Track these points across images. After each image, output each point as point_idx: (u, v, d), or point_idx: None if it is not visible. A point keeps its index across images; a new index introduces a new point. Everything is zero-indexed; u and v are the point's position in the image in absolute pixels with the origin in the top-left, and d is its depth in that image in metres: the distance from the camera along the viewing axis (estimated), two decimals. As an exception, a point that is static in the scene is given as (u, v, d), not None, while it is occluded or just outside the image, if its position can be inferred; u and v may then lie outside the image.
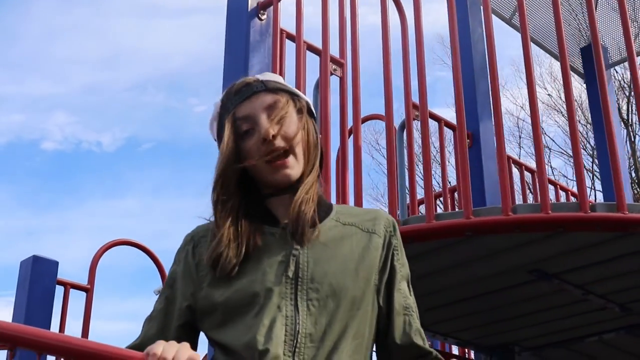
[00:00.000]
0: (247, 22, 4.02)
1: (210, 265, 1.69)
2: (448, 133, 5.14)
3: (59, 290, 4.64)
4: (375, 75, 3.62)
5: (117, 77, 27.82)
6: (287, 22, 4.11)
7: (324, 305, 1.63)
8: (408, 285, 1.81)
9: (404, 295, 1.77)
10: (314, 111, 1.89)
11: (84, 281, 4.75)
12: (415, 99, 3.76)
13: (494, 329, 4.35)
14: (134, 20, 27.50)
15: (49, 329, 4.47)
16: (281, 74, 4.04)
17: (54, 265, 4.66)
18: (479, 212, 3.19)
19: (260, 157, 1.72)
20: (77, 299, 4.76)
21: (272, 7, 4.05)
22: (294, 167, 1.73)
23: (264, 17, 4.07)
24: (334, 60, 4.35)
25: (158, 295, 1.80)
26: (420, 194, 4.63)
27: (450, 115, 5.40)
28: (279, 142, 1.72)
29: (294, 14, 3.94)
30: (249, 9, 4.05)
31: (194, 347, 1.73)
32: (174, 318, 1.73)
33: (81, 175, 27.52)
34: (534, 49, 5.62)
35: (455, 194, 5.16)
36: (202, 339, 1.77)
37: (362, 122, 5.29)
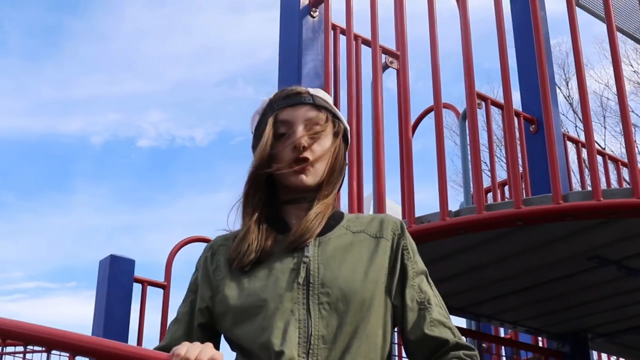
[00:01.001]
0: (299, 20, 4.07)
1: (230, 257, 1.80)
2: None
3: (137, 288, 4.77)
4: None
5: (207, 73, 28.37)
6: (342, 17, 4.14)
7: (334, 308, 1.69)
8: (427, 281, 1.84)
9: (418, 291, 1.80)
10: (349, 138, 2.00)
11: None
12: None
13: (564, 316, 4.29)
14: (221, 15, 27.96)
15: (128, 325, 4.64)
16: (335, 69, 4.07)
17: (130, 263, 4.80)
18: (530, 201, 3.16)
19: (286, 162, 1.82)
20: (156, 296, 4.91)
21: (323, 4, 4.09)
22: (311, 175, 1.83)
23: (315, 14, 4.11)
24: (389, 53, 4.37)
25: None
26: (486, 182, 4.61)
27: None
28: (307, 154, 1.83)
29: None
30: (301, 7, 4.10)
31: (217, 347, 1.82)
32: (197, 320, 1.82)
33: (176, 170, 28.19)
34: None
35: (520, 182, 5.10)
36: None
37: (427, 113, 5.32)
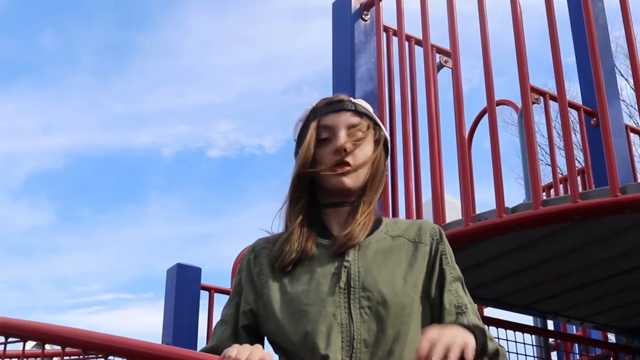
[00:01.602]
0: (351, 24, 4.10)
1: (272, 257, 1.84)
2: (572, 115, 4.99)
3: (204, 295, 4.85)
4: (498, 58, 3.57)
5: (273, 81, 28.63)
6: (394, 19, 4.14)
7: (375, 312, 1.73)
8: (463, 287, 1.87)
9: (456, 295, 1.83)
10: (389, 147, 2.03)
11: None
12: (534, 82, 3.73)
13: (632, 311, 4.21)
14: (284, 23, 28.19)
15: (197, 332, 4.72)
16: (389, 72, 4.09)
17: (197, 271, 4.88)
18: (587, 194, 3.12)
19: (328, 165, 1.86)
20: (224, 303, 4.97)
21: (374, 7, 4.11)
22: (351, 179, 1.87)
23: (367, 17, 4.13)
24: (443, 52, 4.37)
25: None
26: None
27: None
28: (348, 158, 1.87)
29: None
30: (353, 11, 4.13)
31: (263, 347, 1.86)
32: (242, 321, 1.86)
33: (246, 179, 28.48)
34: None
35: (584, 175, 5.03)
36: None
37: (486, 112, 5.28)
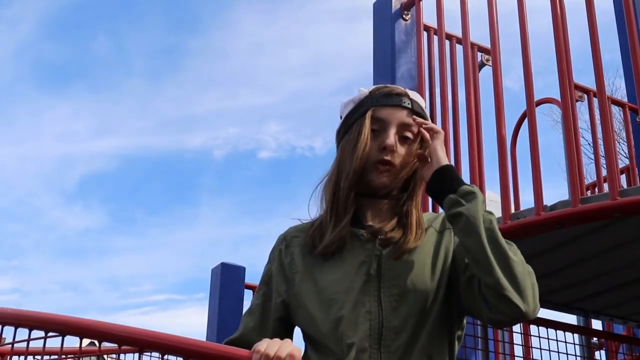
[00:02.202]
0: (391, 24, 4.13)
1: (307, 244, 1.85)
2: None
3: (249, 294, 4.91)
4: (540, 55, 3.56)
5: (323, 82, 28.68)
6: (435, 18, 4.15)
7: (404, 300, 1.76)
8: None
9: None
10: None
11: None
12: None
13: (678, 310, 4.18)
14: (333, 24, 28.19)
15: (241, 330, 4.78)
16: (430, 70, 4.11)
17: (241, 270, 4.94)
18: (627, 192, 3.11)
19: (372, 160, 1.86)
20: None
21: (415, 7, 4.13)
22: (390, 178, 1.87)
23: (408, 17, 4.16)
24: (484, 50, 4.37)
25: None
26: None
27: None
28: (393, 158, 1.86)
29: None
30: (393, 11, 4.16)
31: (291, 339, 1.89)
32: (271, 313, 1.88)
33: (297, 180, 28.55)
34: None
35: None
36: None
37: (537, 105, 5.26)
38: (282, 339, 1.73)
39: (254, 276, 4.86)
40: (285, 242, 1.94)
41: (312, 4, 28.66)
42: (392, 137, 1.86)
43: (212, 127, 28.40)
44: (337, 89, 28.28)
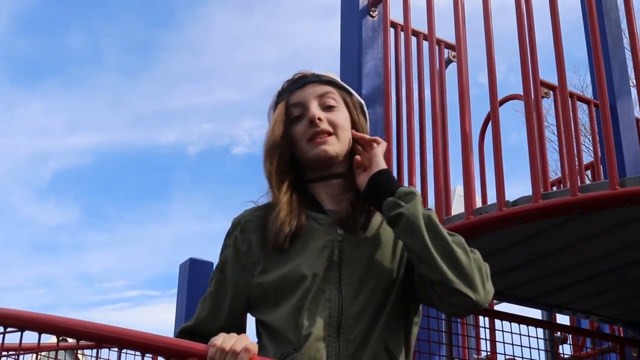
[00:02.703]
0: (359, 20, 4.15)
1: (265, 238, 1.84)
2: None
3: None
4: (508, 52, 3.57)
5: (297, 78, 28.57)
6: (402, 15, 4.17)
7: (364, 287, 1.76)
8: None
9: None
10: (366, 112, 2.03)
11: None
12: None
13: (638, 304, 4.22)
14: (308, 21, 28.19)
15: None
16: (397, 67, 4.13)
17: (209, 266, 4.95)
18: (587, 188, 3.15)
19: (306, 139, 1.88)
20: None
21: (382, 3, 4.15)
22: (333, 145, 1.88)
23: (375, 13, 4.17)
24: (452, 47, 4.39)
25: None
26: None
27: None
28: (324, 125, 1.88)
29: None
30: (360, 7, 4.17)
31: (244, 329, 1.90)
32: (225, 301, 1.89)
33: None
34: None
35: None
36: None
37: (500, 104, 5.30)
38: (236, 326, 1.75)
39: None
40: (240, 226, 1.92)
41: (287, 0, 28.63)
42: (313, 109, 1.88)
43: (186, 123, 28.33)
44: (312, 84, 28.22)
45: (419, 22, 4.07)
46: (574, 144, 3.44)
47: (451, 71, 4.26)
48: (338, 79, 2.01)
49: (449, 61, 4.43)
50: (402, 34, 4.14)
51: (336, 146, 1.88)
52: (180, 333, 1.92)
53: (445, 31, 4.09)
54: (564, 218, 3.29)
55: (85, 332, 1.83)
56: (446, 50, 4.35)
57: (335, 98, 1.93)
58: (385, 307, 1.77)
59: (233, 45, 28.96)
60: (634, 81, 3.34)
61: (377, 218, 1.87)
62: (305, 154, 1.89)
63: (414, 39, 4.11)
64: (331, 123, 1.89)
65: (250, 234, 1.89)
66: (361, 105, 2.01)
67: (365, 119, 2.01)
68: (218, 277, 1.93)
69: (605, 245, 3.54)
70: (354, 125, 1.94)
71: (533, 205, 3.17)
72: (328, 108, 1.91)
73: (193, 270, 4.89)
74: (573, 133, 3.83)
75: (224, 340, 1.62)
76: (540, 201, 3.16)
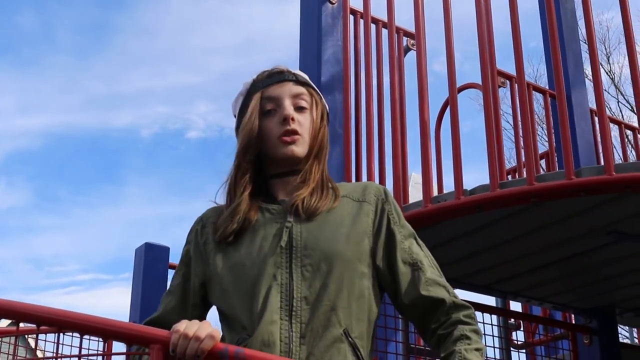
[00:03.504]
0: (318, 6, 4.13)
1: (214, 230, 1.87)
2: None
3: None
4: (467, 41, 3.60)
5: (253, 63, 28.60)
6: (361, 2, 4.18)
7: (317, 269, 1.76)
8: (417, 242, 1.90)
9: (409, 252, 1.86)
10: (328, 117, 2.07)
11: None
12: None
13: (591, 291, 4.30)
14: (263, 5, 28.07)
15: (165, 311, 4.76)
16: (356, 54, 4.14)
17: (165, 251, 4.91)
18: (543, 177, 3.20)
19: (276, 135, 1.90)
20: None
21: (342, -10, 4.15)
22: (300, 146, 1.90)
23: (335, 0, 4.16)
24: (410, 35, 4.41)
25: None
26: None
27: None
28: (295, 125, 1.91)
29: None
30: (320, -6, 4.16)
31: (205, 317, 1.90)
32: (190, 293, 1.90)
33: (225, 160, 28.36)
34: None
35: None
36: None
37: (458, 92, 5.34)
38: (201, 319, 1.74)
39: (179, 256, 4.84)
40: (201, 222, 1.96)
41: (243, -17, 28.46)
42: (288, 107, 1.91)
43: (140, 106, 28.10)
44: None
45: (377, 10, 4.09)
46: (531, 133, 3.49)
47: (409, 59, 4.29)
48: (312, 83, 2.05)
49: (407, 49, 4.44)
50: (361, 21, 4.15)
51: (302, 147, 1.91)
52: (146, 325, 1.90)
53: (403, 18, 4.11)
54: (520, 207, 3.33)
55: (45, 318, 1.80)
56: (405, 38, 4.36)
57: (307, 100, 1.96)
58: (344, 291, 1.76)
59: (188, 29, 28.75)
60: (588, 72, 3.38)
61: (331, 202, 1.87)
62: (272, 151, 1.91)
63: (373, 27, 4.12)
64: (300, 125, 1.92)
65: (208, 228, 1.92)
66: (327, 112, 2.05)
67: (327, 124, 2.05)
68: (184, 271, 1.94)
69: (560, 234, 3.60)
70: (319, 129, 1.97)
71: (491, 194, 3.21)
72: (299, 109, 1.94)
73: (149, 254, 4.84)
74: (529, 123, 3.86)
75: (187, 326, 1.61)
76: (497, 190, 3.20)
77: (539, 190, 3.12)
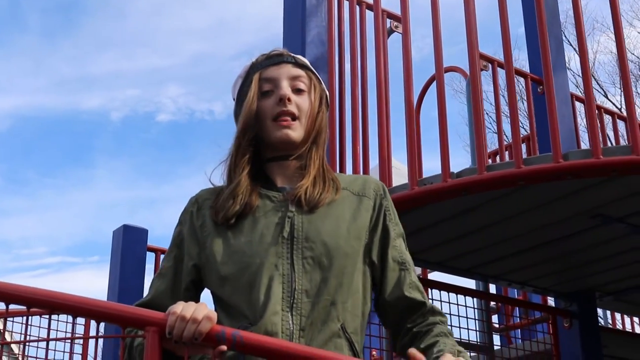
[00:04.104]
0: (303, -14, 4.09)
1: (214, 210, 1.83)
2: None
3: (151, 257, 4.83)
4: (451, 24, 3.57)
5: (224, 46, 28.40)
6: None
7: (318, 263, 1.75)
8: (404, 242, 1.91)
9: (399, 252, 1.87)
10: (329, 102, 2.05)
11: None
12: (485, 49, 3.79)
13: (571, 275, 4.32)
14: (235, -13, 27.85)
15: (142, 293, 4.71)
16: (340, 36, 4.10)
17: (144, 233, 4.85)
18: (530, 160, 3.19)
19: (272, 116, 1.87)
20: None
21: (327, -30, 4.10)
22: (296, 130, 1.88)
23: (319, -20, 4.12)
24: (394, 17, 4.38)
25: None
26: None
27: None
28: (292, 107, 1.88)
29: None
30: (305, -25, 4.11)
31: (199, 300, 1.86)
32: (182, 276, 1.85)
33: (196, 144, 28.26)
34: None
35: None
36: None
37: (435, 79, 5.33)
38: (195, 300, 1.71)
39: (152, 240, 4.80)
40: (197, 204, 1.91)
41: (215, -34, 28.20)
42: (285, 88, 1.89)
43: (109, 88, 27.79)
44: (238, 53, 28.07)
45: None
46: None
47: (392, 41, 4.26)
48: (311, 67, 2.02)
49: (390, 31, 4.41)
50: (345, 2, 4.12)
51: (298, 131, 1.88)
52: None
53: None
54: (505, 190, 3.33)
55: (36, 300, 1.76)
56: (388, 20, 4.33)
57: (306, 83, 1.94)
58: (343, 286, 1.75)
59: (159, 11, 28.47)
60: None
61: (332, 194, 1.85)
62: (267, 133, 1.88)
63: (357, 8, 4.08)
64: (298, 107, 1.89)
65: (205, 211, 1.88)
66: (326, 97, 2.02)
67: (327, 109, 2.02)
68: (176, 252, 1.89)
69: (545, 218, 3.60)
70: (318, 112, 1.94)
71: (478, 176, 3.20)
72: (297, 91, 1.91)
73: (127, 237, 4.78)
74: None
75: (184, 308, 1.57)
76: (484, 173, 3.19)
77: (526, 173, 3.12)
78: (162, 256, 4.81)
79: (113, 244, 4.88)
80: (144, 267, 4.73)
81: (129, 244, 4.78)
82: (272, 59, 1.96)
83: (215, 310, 1.81)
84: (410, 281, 1.84)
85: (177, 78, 27.89)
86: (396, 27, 4.45)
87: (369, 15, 4.07)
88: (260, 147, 1.91)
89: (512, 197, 3.40)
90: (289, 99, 1.87)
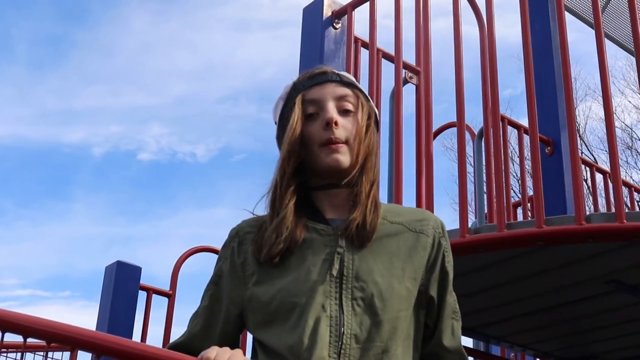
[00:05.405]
0: (321, 31, 4.05)
1: (257, 247, 1.69)
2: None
3: (142, 296, 4.72)
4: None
5: (210, 89, 28.33)
6: (364, 30, 4.11)
7: (369, 305, 1.60)
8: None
9: (454, 299, 1.76)
10: (379, 121, 1.89)
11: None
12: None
13: (574, 341, 4.25)
14: (225, 33, 27.94)
15: (132, 333, 4.58)
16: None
17: (137, 270, 4.74)
18: (552, 221, 3.12)
19: (319, 142, 1.72)
20: (159, 305, 4.84)
21: (346, 16, 4.07)
22: (346, 155, 1.71)
23: (338, 25, 4.09)
24: (409, 68, 4.34)
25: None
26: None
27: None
28: (339, 132, 1.72)
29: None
30: (324, 18, 4.07)
31: (238, 344, 1.74)
32: (220, 317, 1.73)
33: (176, 185, 28.06)
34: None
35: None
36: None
37: (442, 130, 5.30)
38: (231, 344, 1.60)
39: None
40: (238, 238, 1.76)
41: (203, 10, 28.18)
42: (331, 110, 1.73)
43: (93, 123, 27.54)
44: (224, 97, 28.02)
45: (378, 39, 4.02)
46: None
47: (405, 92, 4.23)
48: (358, 84, 1.85)
49: (405, 81, 4.37)
50: (363, 49, 4.08)
51: (348, 156, 1.72)
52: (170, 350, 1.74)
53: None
54: (522, 250, 3.26)
55: (56, 335, 1.65)
56: (403, 70, 4.29)
57: (353, 102, 1.77)
58: (397, 332, 1.61)
59: (146, 49, 28.39)
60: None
61: (385, 229, 1.70)
62: (315, 160, 1.72)
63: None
64: (346, 130, 1.73)
65: (247, 246, 1.73)
66: (375, 115, 1.85)
67: (378, 129, 1.87)
68: (213, 291, 1.76)
69: (557, 281, 3.53)
70: (368, 133, 1.77)
71: (498, 234, 3.12)
72: (344, 112, 1.75)
73: (120, 273, 4.67)
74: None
75: (218, 354, 1.48)
76: (504, 230, 3.11)
77: (547, 233, 3.04)
78: (154, 296, 4.72)
79: (105, 280, 4.76)
80: (135, 305, 4.62)
81: (122, 280, 4.68)
82: (315, 78, 1.80)
83: (256, 354, 1.70)
84: (460, 334, 1.74)
85: (161, 118, 27.74)
86: (410, 77, 4.41)
87: (385, 63, 4.03)
88: (305, 174, 1.76)
89: (527, 257, 3.32)
90: (335, 123, 1.71)
